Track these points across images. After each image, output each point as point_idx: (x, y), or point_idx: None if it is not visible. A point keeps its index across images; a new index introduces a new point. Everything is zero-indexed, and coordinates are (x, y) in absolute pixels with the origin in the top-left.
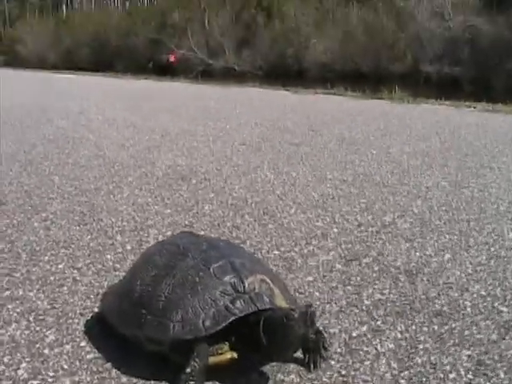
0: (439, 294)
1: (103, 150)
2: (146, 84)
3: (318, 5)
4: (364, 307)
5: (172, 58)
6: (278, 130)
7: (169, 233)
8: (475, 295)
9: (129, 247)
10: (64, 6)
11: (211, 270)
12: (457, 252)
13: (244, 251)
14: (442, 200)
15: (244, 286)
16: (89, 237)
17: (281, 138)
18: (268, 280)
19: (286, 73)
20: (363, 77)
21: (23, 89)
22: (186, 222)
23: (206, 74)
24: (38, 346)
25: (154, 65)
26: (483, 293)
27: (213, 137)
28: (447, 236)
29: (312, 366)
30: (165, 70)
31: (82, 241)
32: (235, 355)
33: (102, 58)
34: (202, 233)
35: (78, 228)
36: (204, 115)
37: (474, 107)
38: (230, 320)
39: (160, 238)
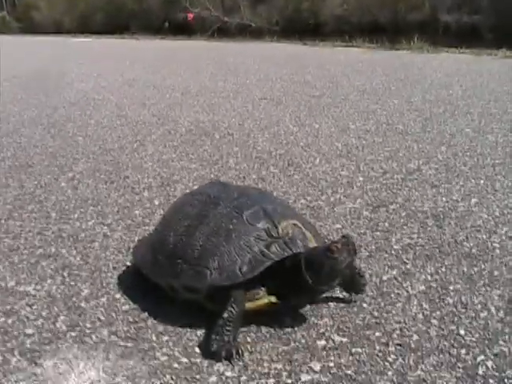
0: (467, 237)
1: (125, 110)
2: (162, 44)
3: None
4: (393, 251)
5: (189, 18)
6: (298, 84)
7: (195, 187)
8: (504, 237)
9: (156, 202)
10: None
11: (244, 216)
12: (483, 196)
13: (274, 198)
14: (467, 146)
15: (278, 231)
16: (116, 194)
17: (301, 91)
18: (300, 224)
19: (302, 27)
20: (381, 28)
21: (40, 54)
22: (212, 176)
23: (222, 32)
24: (73, 299)
25: (170, 24)
26: (511, 234)
27: (233, 92)
28: (473, 181)
29: (360, 289)
30: (181, 29)
31: (109, 198)
32: (272, 299)
33: (118, 21)
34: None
35: (104, 186)
36: (223, 71)
37: (495, 54)
38: (267, 265)
39: (186, 191)
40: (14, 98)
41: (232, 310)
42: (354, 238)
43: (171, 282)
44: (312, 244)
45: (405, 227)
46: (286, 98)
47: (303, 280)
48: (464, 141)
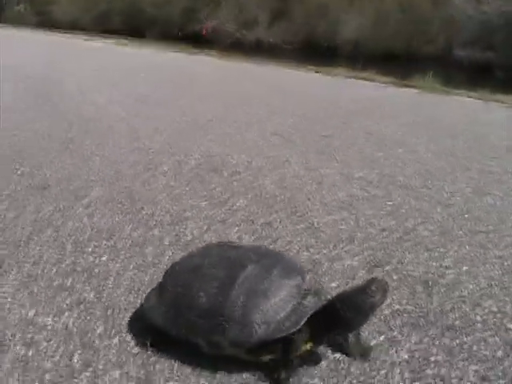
0: (453, 308)
1: (138, 132)
2: (175, 58)
3: None
4: (382, 317)
5: (204, 31)
6: (310, 120)
7: (205, 227)
8: (486, 310)
9: (166, 242)
10: None
11: (274, 275)
12: (474, 265)
13: (283, 255)
14: (464, 207)
15: (306, 284)
16: (130, 227)
17: (312, 129)
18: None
19: (317, 48)
20: (395, 57)
21: (54, 58)
22: (222, 216)
23: (238, 46)
24: (89, 335)
25: (187, 35)
26: (494, 309)
27: (245, 124)
28: (467, 247)
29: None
30: (197, 40)
31: (123, 231)
32: (308, 347)
33: (136, 26)
34: (236, 228)
35: (120, 217)
36: (237, 99)
37: (503, 102)
38: (308, 315)
39: (196, 232)
40: (29, 106)
41: (288, 361)
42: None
43: (215, 338)
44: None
45: (395, 292)
46: (297, 136)
47: (342, 321)
48: (461, 201)
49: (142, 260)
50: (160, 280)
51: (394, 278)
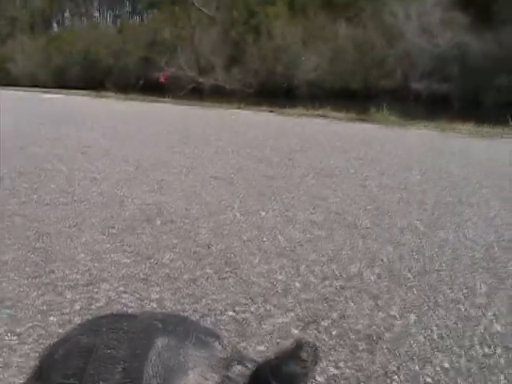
0: (399, 368)
1: (73, 185)
2: (131, 105)
3: (306, 22)
4: None
5: (162, 79)
6: (255, 159)
7: (121, 288)
8: (438, 368)
9: (77, 306)
10: (55, 24)
11: (188, 346)
12: (424, 312)
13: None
14: (415, 245)
15: (227, 352)
16: (35, 293)
17: (256, 169)
18: None
19: (275, 90)
20: (352, 94)
21: (3, 111)
22: (142, 275)
23: (196, 92)
24: None
25: (145, 83)
26: (446, 365)
27: (186, 168)
28: (415, 292)
29: None
30: (155, 88)
31: (28, 298)
32: None
33: (93, 77)
34: (157, 288)
35: (26, 282)
36: (182, 141)
37: (459, 130)
38: None
39: (112, 293)
40: None
41: None
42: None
43: None
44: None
45: (333, 352)
46: (238, 177)
47: None
48: (413, 238)
49: (45, 330)
50: (36, 369)
51: (333, 333)
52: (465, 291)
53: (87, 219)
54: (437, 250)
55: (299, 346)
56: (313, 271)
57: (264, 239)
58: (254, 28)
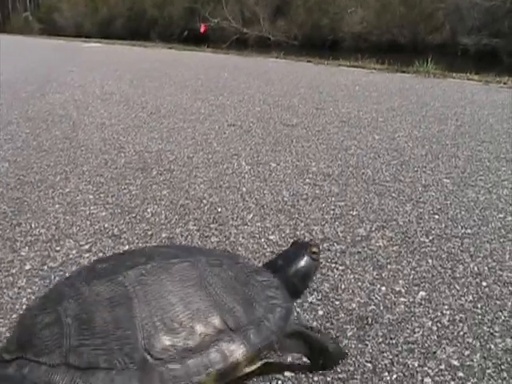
0: (392, 363)
1: (77, 130)
2: (168, 53)
3: None
4: None
5: (202, 29)
6: (281, 108)
7: (86, 246)
8: (442, 366)
9: (28, 266)
10: None
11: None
12: (436, 288)
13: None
14: (438, 205)
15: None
16: None
17: (278, 118)
18: None
19: (320, 43)
20: (400, 48)
21: (38, 58)
22: (115, 231)
23: (241, 44)
24: None
25: (189, 34)
26: (455, 362)
27: (204, 115)
28: (429, 261)
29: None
30: (199, 40)
31: None
32: None
33: (138, 28)
34: (126, 247)
35: None
36: (209, 88)
37: (505, 83)
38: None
39: (72, 252)
40: None
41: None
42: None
43: None
44: None
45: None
46: (257, 126)
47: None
48: (437, 197)
49: None
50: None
51: (319, 312)
52: (490, 263)
53: (78, 167)
54: (463, 211)
55: (304, 244)
56: (311, 231)
57: (265, 192)
58: None
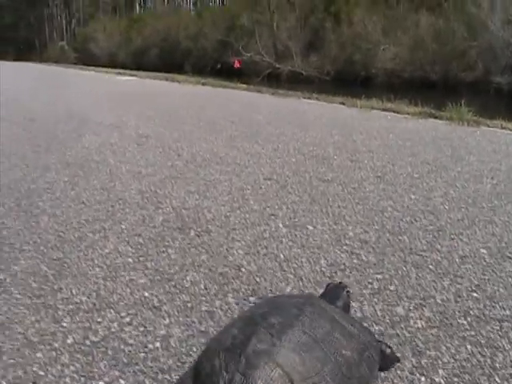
0: None
1: (114, 180)
2: (202, 90)
3: (386, 11)
4: None
5: (236, 64)
6: (316, 159)
7: (127, 318)
8: None
9: (70, 340)
10: (137, 5)
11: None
12: (475, 380)
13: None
14: (476, 280)
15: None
16: (33, 318)
17: (314, 171)
18: None
19: (352, 78)
20: (432, 85)
21: (74, 93)
22: (155, 302)
23: (273, 78)
24: None
25: (222, 67)
26: None
27: (241, 166)
28: (468, 347)
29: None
30: (232, 73)
31: (21, 324)
32: None
33: (171, 59)
34: (167, 320)
35: (28, 302)
36: (244, 134)
37: None
38: None
39: (113, 325)
40: (13, 148)
41: None
42: None
43: None
44: None
45: None
46: (293, 181)
47: None
48: (475, 271)
49: (23, 372)
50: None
51: None
52: None
53: (117, 223)
54: (501, 288)
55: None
56: (350, 308)
57: (303, 261)
58: (333, 15)
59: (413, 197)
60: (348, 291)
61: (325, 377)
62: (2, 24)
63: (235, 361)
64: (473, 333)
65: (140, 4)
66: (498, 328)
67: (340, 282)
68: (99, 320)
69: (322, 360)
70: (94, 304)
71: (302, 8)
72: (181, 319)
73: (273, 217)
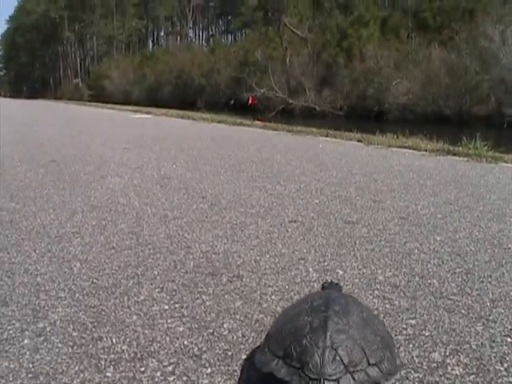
0: None
1: (142, 224)
2: (218, 129)
3: (398, 45)
4: None
5: (251, 101)
6: (339, 200)
7: (169, 368)
8: None
9: None
10: (150, 42)
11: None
12: None
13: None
14: (508, 324)
15: None
16: (76, 367)
17: (338, 213)
18: None
19: (365, 113)
20: (445, 119)
21: (92, 134)
22: (196, 351)
23: (287, 113)
24: None
25: (235, 103)
26: None
27: (265, 208)
28: None
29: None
30: (245, 108)
31: (65, 375)
32: None
33: (185, 96)
34: (209, 370)
35: (70, 351)
36: (265, 174)
37: None
38: None
39: (156, 375)
40: (38, 192)
41: None
42: None
43: None
44: None
45: None
46: (319, 223)
47: None
48: (507, 314)
49: None
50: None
51: None
52: None
53: (149, 269)
54: None
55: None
56: None
57: None
58: (345, 50)
59: (438, 238)
60: (340, 287)
61: (379, 345)
62: (19, 62)
63: (322, 338)
64: (510, 380)
65: (153, 41)
66: None
67: (332, 281)
68: (142, 369)
69: (374, 333)
70: (136, 353)
71: (314, 44)
72: (222, 368)
73: (302, 261)
